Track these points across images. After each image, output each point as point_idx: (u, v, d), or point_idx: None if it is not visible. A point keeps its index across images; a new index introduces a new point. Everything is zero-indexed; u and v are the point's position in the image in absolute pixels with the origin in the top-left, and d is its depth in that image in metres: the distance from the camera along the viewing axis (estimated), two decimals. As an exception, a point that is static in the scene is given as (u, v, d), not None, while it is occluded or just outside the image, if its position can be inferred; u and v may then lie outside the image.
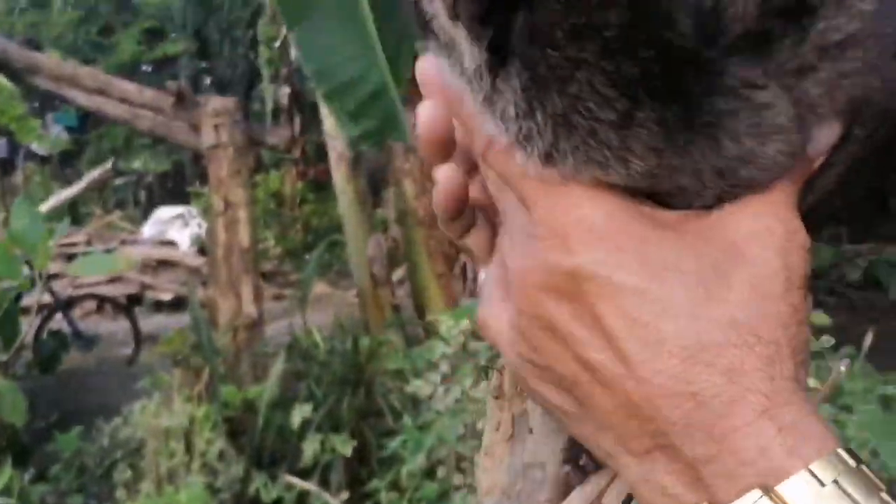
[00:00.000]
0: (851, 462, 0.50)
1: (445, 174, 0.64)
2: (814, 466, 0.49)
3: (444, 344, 4.74)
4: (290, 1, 4.22)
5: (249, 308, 5.64)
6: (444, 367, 4.65)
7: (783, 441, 0.50)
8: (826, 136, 0.57)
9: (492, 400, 0.80)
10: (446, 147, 0.64)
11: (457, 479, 4.35)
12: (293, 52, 10.22)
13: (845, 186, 0.61)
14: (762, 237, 0.54)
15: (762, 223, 0.55)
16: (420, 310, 6.70)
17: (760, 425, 0.50)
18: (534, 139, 0.55)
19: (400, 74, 4.35)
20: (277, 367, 4.93)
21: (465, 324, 4.75)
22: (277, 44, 11.35)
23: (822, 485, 0.49)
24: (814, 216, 0.59)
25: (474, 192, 0.66)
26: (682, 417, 0.52)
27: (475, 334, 4.69)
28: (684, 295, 0.53)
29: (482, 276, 0.66)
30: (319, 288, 10.27)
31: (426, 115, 0.63)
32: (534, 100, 0.54)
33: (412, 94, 5.80)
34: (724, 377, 0.51)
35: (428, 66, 0.62)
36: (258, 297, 5.78)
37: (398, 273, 8.41)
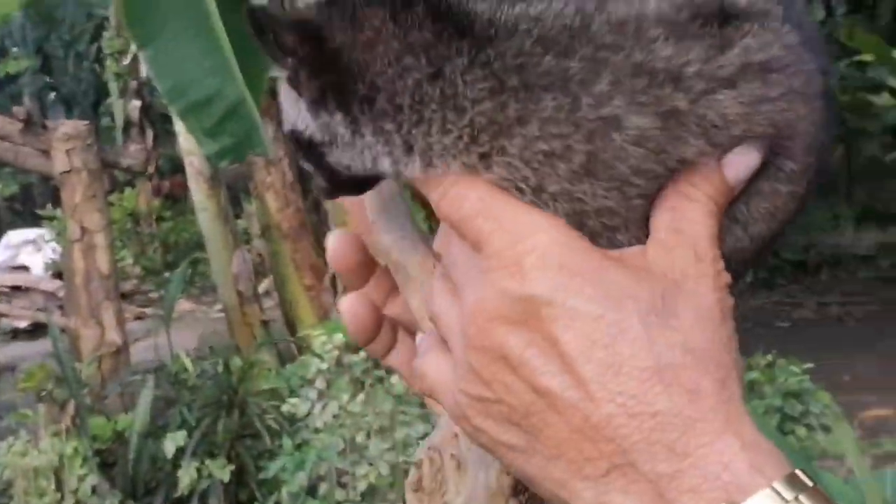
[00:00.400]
0: (808, 482, 0.52)
1: (350, 306, 0.66)
2: (776, 484, 0.51)
3: (318, 360, 4.69)
4: (140, 18, 4.09)
5: (113, 335, 5.46)
6: (320, 383, 4.61)
7: (746, 457, 0.52)
8: (743, 160, 0.58)
9: (410, 493, 0.79)
10: (358, 271, 0.67)
11: (339, 494, 4.32)
12: (143, 65, 9.97)
13: (778, 235, 0.63)
14: (702, 278, 0.57)
15: (701, 268, 0.57)
16: (290, 325, 6.62)
17: (725, 441, 0.52)
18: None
19: (258, 87, 4.28)
20: (146, 395, 4.79)
21: (338, 338, 4.72)
22: (128, 59, 11.03)
23: (785, 502, 0.51)
24: (743, 261, 0.62)
25: (394, 310, 0.66)
26: (643, 436, 0.53)
27: (350, 347, 4.67)
28: (639, 320, 0.54)
29: (418, 338, 0.66)
30: (182, 305, 10.05)
31: (332, 245, 0.66)
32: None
33: (269, 106, 5.74)
34: (683, 397, 0.53)
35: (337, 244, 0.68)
36: (121, 322, 5.60)
37: (265, 285, 8.29)
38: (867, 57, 12.03)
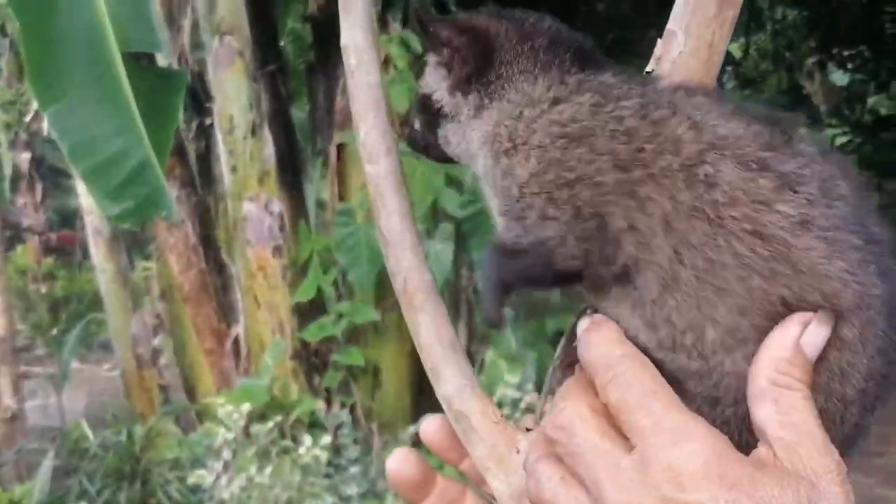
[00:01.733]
0: None
1: None
2: None
3: (224, 429, 4.63)
4: (44, 77, 4.05)
5: (8, 401, 5.30)
6: (226, 453, 4.55)
7: None
8: (818, 334, 0.65)
9: None
10: (418, 487, 0.74)
11: (244, 567, 4.25)
12: (35, 117, 9.78)
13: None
14: (829, 474, 0.62)
15: (825, 462, 0.63)
16: (189, 390, 6.50)
17: None
18: None
19: (163, 150, 4.27)
20: (46, 465, 4.65)
21: (245, 407, 4.67)
22: (19, 111, 10.76)
23: None
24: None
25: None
26: None
27: (257, 416, 4.62)
28: None
29: None
30: (71, 364, 9.74)
31: (393, 464, 0.74)
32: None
33: (174, 167, 5.70)
34: None
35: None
36: (17, 387, 5.44)
37: (163, 348, 8.12)
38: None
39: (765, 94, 12.33)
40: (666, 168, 0.66)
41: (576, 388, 0.68)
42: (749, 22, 8.97)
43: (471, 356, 6.01)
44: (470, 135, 0.78)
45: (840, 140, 11.18)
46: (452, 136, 0.80)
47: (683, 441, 0.61)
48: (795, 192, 0.64)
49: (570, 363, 0.72)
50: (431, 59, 0.81)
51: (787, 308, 0.65)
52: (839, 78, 12.98)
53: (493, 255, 0.75)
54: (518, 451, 0.71)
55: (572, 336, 0.72)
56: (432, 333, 0.75)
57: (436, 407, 0.78)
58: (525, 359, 5.55)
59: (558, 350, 0.77)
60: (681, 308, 0.66)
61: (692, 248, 0.66)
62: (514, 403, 5.25)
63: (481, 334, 5.91)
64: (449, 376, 0.75)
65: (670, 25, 0.75)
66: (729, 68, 10.53)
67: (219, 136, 5.61)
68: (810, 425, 0.63)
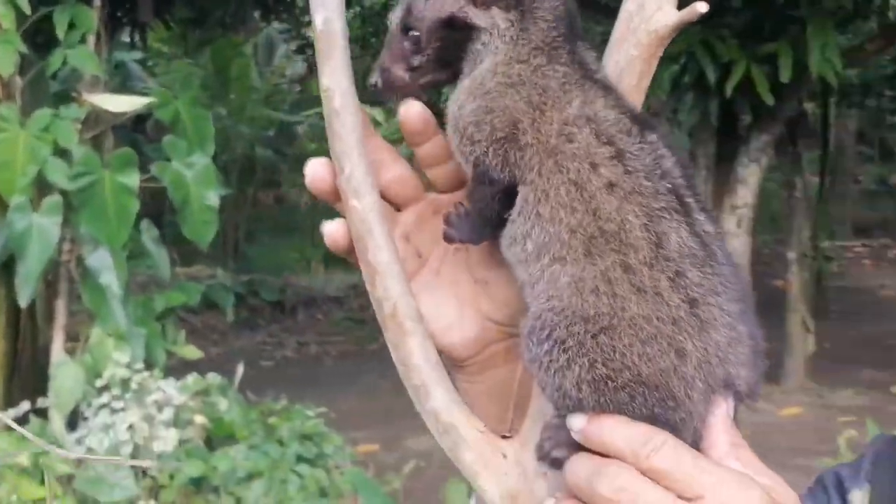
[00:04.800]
0: None
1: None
2: None
3: None
4: None
5: None
6: None
7: None
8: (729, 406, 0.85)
9: None
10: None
11: None
12: None
13: None
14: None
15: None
16: None
17: None
18: None
19: None
20: None
21: None
22: None
23: None
24: None
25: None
26: None
27: None
28: None
29: None
30: None
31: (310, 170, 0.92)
32: None
33: None
34: None
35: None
36: None
37: None
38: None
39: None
40: (552, 117, 0.85)
41: (611, 465, 0.78)
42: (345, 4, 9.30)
43: (75, 334, 5.73)
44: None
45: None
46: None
47: (746, 489, 0.77)
48: (622, 164, 0.82)
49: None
50: None
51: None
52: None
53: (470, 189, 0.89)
54: (504, 456, 0.79)
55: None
56: (421, 356, 0.80)
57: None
58: (134, 336, 5.39)
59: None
60: (535, 232, 0.85)
61: (543, 177, 0.84)
62: (124, 383, 5.09)
63: (86, 312, 5.65)
64: (437, 393, 0.81)
65: None
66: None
67: None
68: (762, 470, 0.82)
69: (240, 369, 5.56)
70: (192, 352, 5.92)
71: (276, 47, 12.76)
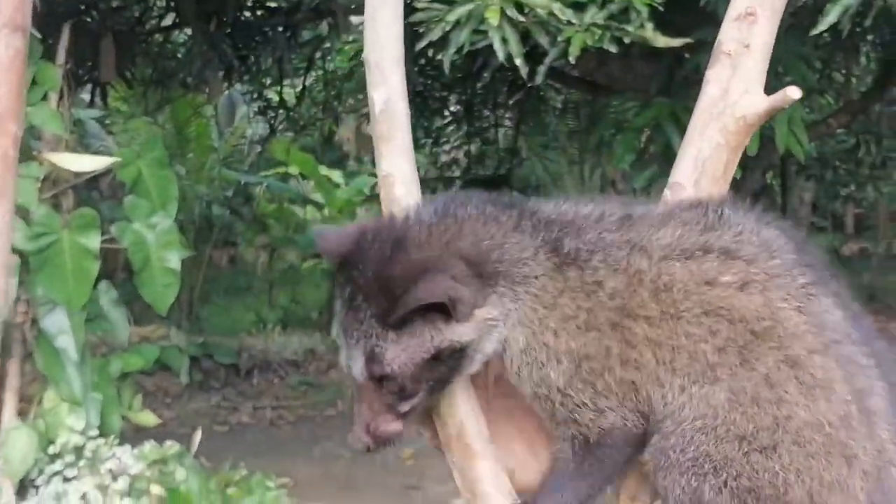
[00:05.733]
0: None
1: None
2: None
3: None
4: None
5: None
6: None
7: None
8: None
9: None
10: None
11: None
12: None
13: None
14: None
15: None
16: None
17: None
18: None
19: None
20: None
21: None
22: None
23: None
24: None
25: None
26: None
27: None
28: None
29: None
30: None
31: None
32: None
33: None
34: None
35: None
36: None
37: None
38: (293, 170, 13.00)
39: (311, 138, 12.82)
40: (640, 300, 0.76)
41: None
42: (307, 68, 9.30)
43: (28, 397, 5.55)
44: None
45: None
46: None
47: None
48: (735, 258, 0.75)
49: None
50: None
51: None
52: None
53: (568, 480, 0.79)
54: None
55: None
56: (491, 480, 0.75)
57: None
58: (89, 402, 5.23)
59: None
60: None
61: (671, 349, 0.76)
62: (78, 450, 4.93)
63: (39, 374, 5.48)
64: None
65: (677, 178, 0.83)
66: (282, 112, 10.80)
67: None
68: None
69: (197, 436, 5.43)
70: (148, 418, 5.77)
71: (237, 108, 12.71)
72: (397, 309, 0.76)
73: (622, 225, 0.80)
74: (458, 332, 0.77)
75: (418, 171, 0.83)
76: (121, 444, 5.03)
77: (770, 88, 0.95)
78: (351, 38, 8.77)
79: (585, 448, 0.76)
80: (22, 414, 5.33)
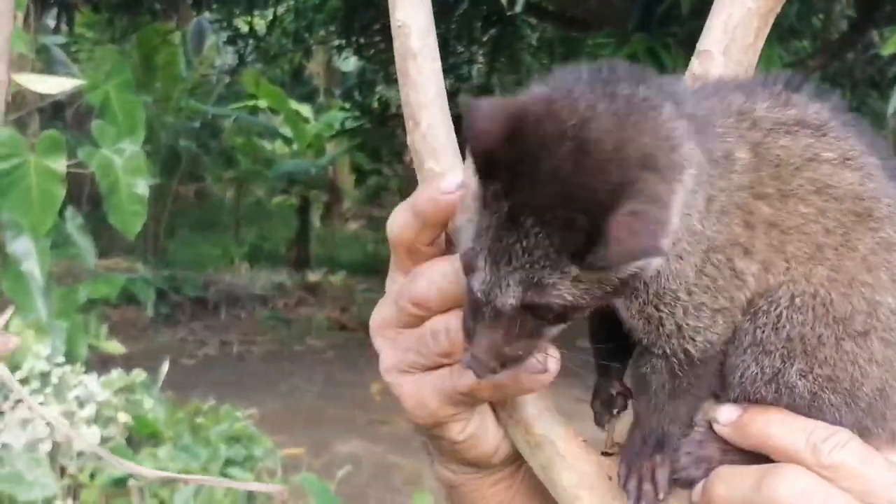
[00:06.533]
0: None
1: None
2: None
3: None
4: None
5: None
6: None
7: None
8: None
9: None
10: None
11: None
12: None
13: None
14: None
15: None
16: None
17: None
18: None
19: None
20: None
21: None
22: None
23: None
24: None
25: None
26: None
27: None
28: None
29: None
30: None
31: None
32: None
33: None
34: None
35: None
36: None
37: None
38: (262, 103, 12.81)
39: (281, 71, 12.61)
40: (760, 177, 0.72)
41: (785, 466, 0.70)
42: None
43: (-9, 325, 5.45)
44: None
45: (350, 123, 11.79)
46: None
47: None
48: (826, 134, 0.72)
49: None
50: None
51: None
52: (346, 64, 13.68)
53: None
54: (610, 478, 0.67)
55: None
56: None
57: None
58: (55, 329, 5.14)
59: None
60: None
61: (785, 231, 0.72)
62: (44, 377, 4.85)
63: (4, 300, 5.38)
64: (528, 401, 0.68)
65: (706, 46, 0.76)
66: (251, 41, 10.61)
67: None
68: None
69: (164, 366, 5.36)
70: (114, 347, 5.70)
71: (205, 37, 12.45)
72: (598, 259, 0.62)
73: (724, 95, 0.74)
74: (651, 263, 0.67)
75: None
76: (87, 372, 4.96)
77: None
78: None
79: (689, 364, 0.70)
80: (-15, 340, 5.23)
